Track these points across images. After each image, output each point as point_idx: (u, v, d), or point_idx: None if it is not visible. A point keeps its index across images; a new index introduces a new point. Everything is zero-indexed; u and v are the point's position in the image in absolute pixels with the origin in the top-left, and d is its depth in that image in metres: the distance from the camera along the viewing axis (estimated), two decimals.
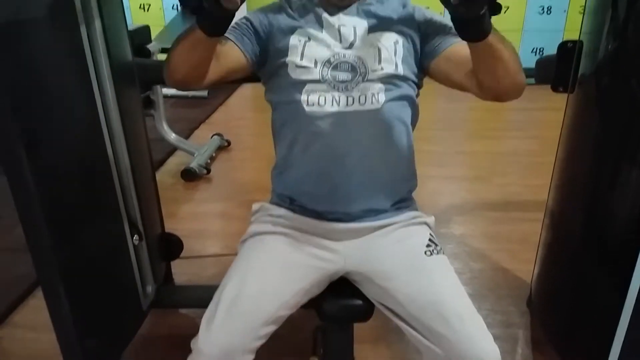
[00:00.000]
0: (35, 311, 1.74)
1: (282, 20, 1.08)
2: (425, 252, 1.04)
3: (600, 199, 1.19)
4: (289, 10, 1.09)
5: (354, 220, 1.08)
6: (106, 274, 1.30)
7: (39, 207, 0.98)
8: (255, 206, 1.20)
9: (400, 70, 1.04)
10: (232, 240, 2.20)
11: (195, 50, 0.93)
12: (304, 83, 1.03)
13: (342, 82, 1.02)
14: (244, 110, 4.34)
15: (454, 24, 0.84)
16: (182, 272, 1.83)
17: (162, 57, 1.18)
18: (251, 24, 1.08)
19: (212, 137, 3.21)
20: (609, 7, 1.17)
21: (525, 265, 1.71)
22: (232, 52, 1.04)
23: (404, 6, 1.09)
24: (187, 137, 3.31)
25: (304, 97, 1.03)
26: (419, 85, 1.11)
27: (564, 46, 1.35)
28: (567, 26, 4.44)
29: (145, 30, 2.47)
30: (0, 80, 0.88)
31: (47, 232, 1.00)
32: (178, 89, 1.07)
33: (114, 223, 1.32)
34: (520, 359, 1.49)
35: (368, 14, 1.07)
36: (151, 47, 2.46)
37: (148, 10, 5.02)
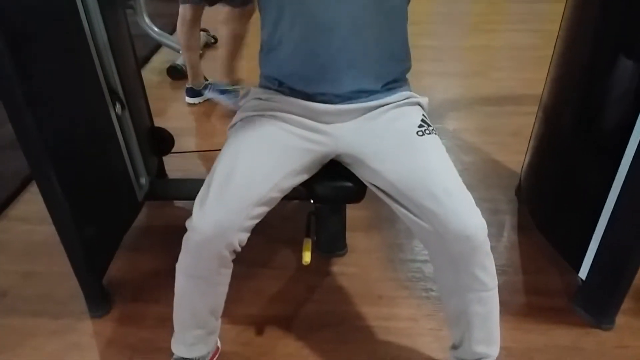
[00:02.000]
0: (30, 204, 1.76)
1: None
2: (417, 132, 1.02)
3: (596, 89, 1.16)
4: None
5: (345, 101, 1.05)
6: (98, 161, 1.28)
7: (19, 89, 0.93)
8: (242, 91, 1.15)
9: None
10: (221, 138, 2.19)
11: None
12: None
13: None
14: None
15: None
16: (174, 168, 1.83)
17: None
18: None
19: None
20: None
21: (516, 157, 1.72)
22: None
23: None
24: (171, 32, 3.14)
25: None
26: None
27: None
28: None
29: None
30: None
31: (30, 112, 0.96)
32: None
33: (102, 119, 1.28)
34: (507, 243, 1.55)
35: None
36: None
37: None
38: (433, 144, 1.02)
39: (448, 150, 1.02)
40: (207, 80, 2.38)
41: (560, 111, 1.36)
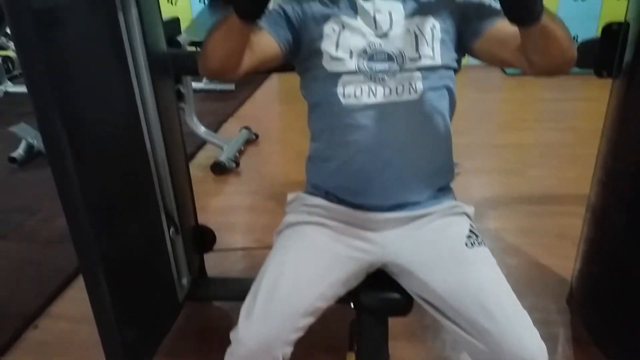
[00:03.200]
0: (73, 303, 1.77)
1: (315, 7, 1.06)
2: (466, 244, 1.01)
3: None
4: None
5: (390, 211, 1.06)
6: (144, 264, 1.31)
7: (81, 196, 0.98)
8: (290, 196, 1.18)
9: (439, 59, 1.01)
10: (261, 234, 2.23)
11: (230, 38, 0.92)
12: (339, 75, 1.01)
13: (379, 72, 1.00)
14: (272, 103, 4.34)
15: (503, 8, 0.80)
16: (213, 265, 1.84)
17: (192, 49, 1.18)
18: (284, 12, 1.06)
19: (240, 130, 3.21)
20: None
21: (564, 261, 1.65)
22: (266, 41, 1.03)
23: None
24: (215, 130, 3.32)
25: (339, 89, 1.01)
26: (457, 70, 1.08)
27: (608, 28, 1.28)
28: (603, 13, 4.30)
29: (175, 22, 2.48)
30: (42, 69, 0.88)
31: (89, 220, 1.01)
32: (212, 78, 1.07)
33: (151, 214, 1.33)
34: (562, 359, 1.44)
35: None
36: (181, 39, 2.46)
37: (175, 4, 5.06)
38: (484, 256, 1.00)
39: (490, 251, 1.00)
40: None
41: (612, 213, 1.32)
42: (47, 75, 0.89)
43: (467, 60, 1.12)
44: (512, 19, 0.81)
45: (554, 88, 3.99)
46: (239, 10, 0.86)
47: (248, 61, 0.99)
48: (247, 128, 3.25)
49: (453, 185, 1.15)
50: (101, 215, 1.07)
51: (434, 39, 1.01)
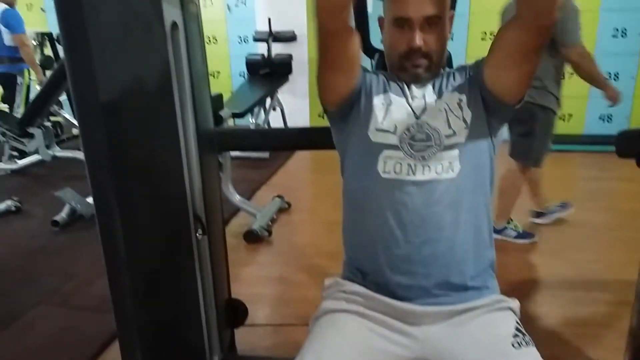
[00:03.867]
0: None
1: (373, 79, 1.13)
2: (512, 344, 0.96)
3: None
4: (380, 77, 1.13)
5: (431, 297, 1.03)
6: (178, 338, 1.29)
7: (126, 267, 1.00)
8: (327, 281, 1.17)
9: (472, 135, 1.04)
10: (290, 309, 2.19)
11: None
12: (382, 147, 1.04)
13: (419, 150, 1.03)
14: (304, 172, 4.41)
15: None
16: (242, 339, 1.79)
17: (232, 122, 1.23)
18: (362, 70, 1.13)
19: (273, 198, 3.26)
20: None
21: (614, 354, 1.54)
22: (356, 55, 1.06)
23: (466, 70, 1.12)
24: (249, 198, 3.38)
25: (380, 163, 1.04)
26: (494, 144, 1.09)
27: None
28: (637, 92, 4.28)
29: (219, 98, 2.62)
30: (103, 154, 0.93)
31: (131, 291, 1.02)
32: (324, 21, 0.99)
33: (189, 286, 1.33)
34: None
35: (434, 85, 1.10)
36: (223, 113, 2.58)
37: (217, 77, 5.36)
38: (532, 357, 0.95)
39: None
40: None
41: None
42: (106, 161, 0.94)
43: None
44: None
45: (594, 166, 3.95)
46: None
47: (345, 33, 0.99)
48: (280, 197, 3.29)
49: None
50: (143, 285, 1.08)
51: (463, 112, 1.05)
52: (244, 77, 5.15)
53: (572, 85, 4.21)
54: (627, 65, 4.23)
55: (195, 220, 1.33)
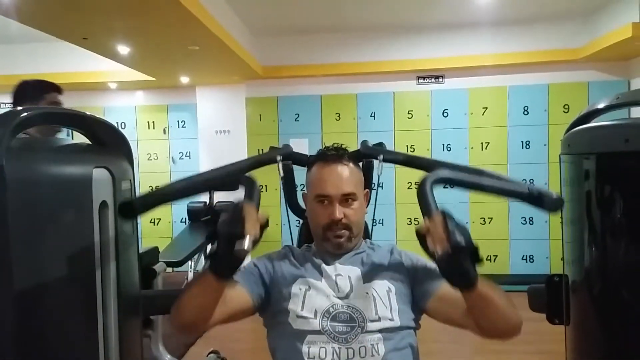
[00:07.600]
0: None
1: (285, 267, 1.16)
2: None
3: None
4: (292, 259, 1.18)
5: None
6: None
7: None
8: None
9: (397, 321, 1.07)
10: None
11: (204, 294, 0.98)
12: (305, 334, 1.05)
13: (341, 333, 1.05)
14: (241, 324, 4.22)
15: (441, 273, 0.91)
16: None
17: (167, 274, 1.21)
18: (258, 269, 1.16)
19: (207, 355, 3.06)
20: (586, 241, 1.22)
21: None
22: (239, 295, 1.09)
23: (392, 253, 1.19)
24: (182, 354, 3.16)
25: (305, 349, 1.05)
26: (417, 328, 1.13)
27: (550, 280, 1.38)
28: (552, 235, 4.57)
29: (153, 252, 2.59)
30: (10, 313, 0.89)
31: None
32: (182, 332, 1.08)
33: None
34: None
35: (361, 262, 1.15)
36: (157, 267, 2.54)
37: (158, 224, 5.34)
38: None
39: None
40: None
41: None
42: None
43: None
44: (451, 284, 0.91)
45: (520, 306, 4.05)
46: (216, 269, 0.94)
47: (219, 314, 1.04)
48: (215, 352, 3.10)
49: None
50: None
51: (391, 302, 1.09)
52: (185, 222, 5.17)
53: (494, 230, 4.55)
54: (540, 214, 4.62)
55: None
